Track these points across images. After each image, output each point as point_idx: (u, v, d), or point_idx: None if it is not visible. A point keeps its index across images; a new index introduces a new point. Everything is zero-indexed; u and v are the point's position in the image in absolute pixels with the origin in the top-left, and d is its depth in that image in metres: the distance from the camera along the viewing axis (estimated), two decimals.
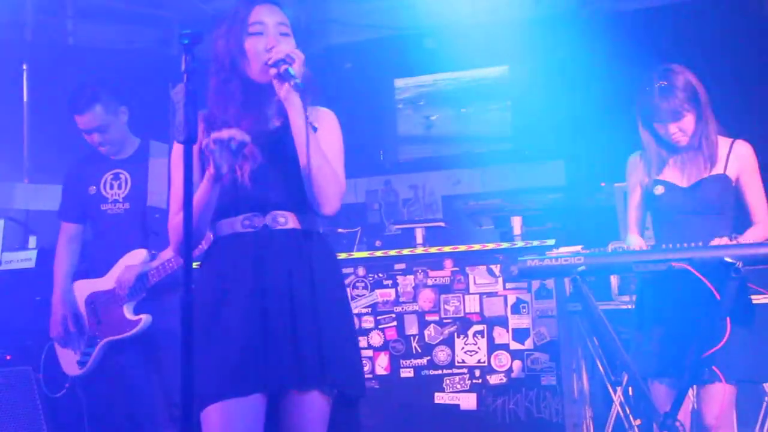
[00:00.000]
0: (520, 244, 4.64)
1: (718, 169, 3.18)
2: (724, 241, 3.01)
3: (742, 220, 3.22)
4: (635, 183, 3.33)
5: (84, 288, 3.89)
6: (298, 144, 2.36)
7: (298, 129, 2.36)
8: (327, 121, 2.54)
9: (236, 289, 2.37)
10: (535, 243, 4.53)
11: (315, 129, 2.48)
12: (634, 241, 3.22)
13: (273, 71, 2.34)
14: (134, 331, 3.70)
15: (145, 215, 3.79)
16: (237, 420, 2.28)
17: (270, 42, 2.41)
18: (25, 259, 4.95)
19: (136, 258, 3.74)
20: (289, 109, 2.37)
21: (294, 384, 2.31)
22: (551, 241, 4.45)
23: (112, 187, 3.87)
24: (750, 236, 3.09)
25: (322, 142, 2.45)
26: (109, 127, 3.84)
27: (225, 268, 2.41)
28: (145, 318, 3.71)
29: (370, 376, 4.67)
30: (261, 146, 2.41)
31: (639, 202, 3.33)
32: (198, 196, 2.32)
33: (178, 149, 2.39)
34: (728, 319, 2.93)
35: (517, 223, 4.77)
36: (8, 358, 4.35)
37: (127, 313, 3.72)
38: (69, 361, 3.88)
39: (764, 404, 4.15)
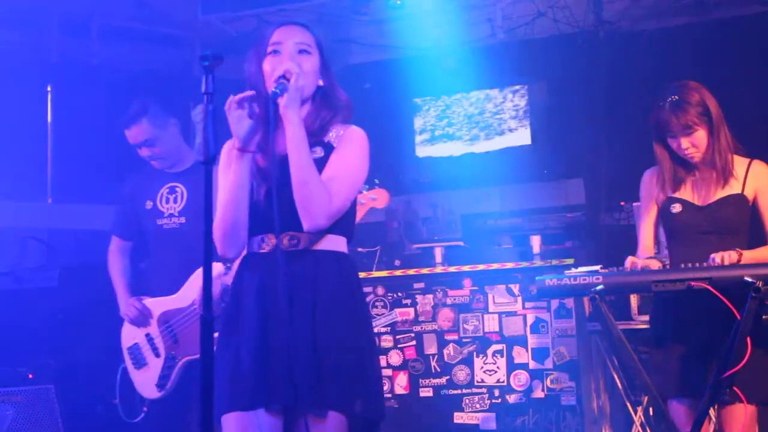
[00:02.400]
0: (539, 263, 4.64)
1: (735, 189, 3.17)
2: (729, 255, 3.00)
3: (757, 239, 3.21)
4: (650, 199, 3.33)
5: (155, 306, 3.76)
6: (289, 156, 2.38)
7: (290, 141, 2.37)
8: (349, 138, 2.54)
9: (247, 308, 2.44)
10: (554, 262, 4.53)
11: (332, 147, 2.51)
12: (645, 263, 3.18)
13: (237, 97, 2.40)
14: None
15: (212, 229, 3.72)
16: (248, 429, 2.35)
17: (284, 60, 2.45)
18: (47, 278, 4.99)
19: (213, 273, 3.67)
20: (284, 122, 2.38)
21: (290, 402, 2.34)
22: (570, 261, 4.45)
23: (167, 201, 3.79)
24: (759, 252, 3.09)
25: (334, 157, 2.48)
26: (158, 141, 3.79)
27: (242, 287, 2.49)
28: None
29: (389, 395, 4.67)
30: (278, 167, 2.43)
31: (653, 221, 3.33)
32: (231, 180, 2.41)
33: (224, 153, 2.49)
34: (749, 338, 2.91)
35: (536, 242, 4.77)
36: (30, 376, 4.38)
37: None
38: (147, 384, 3.73)
39: None
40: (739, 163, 3.21)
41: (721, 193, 3.18)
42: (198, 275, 3.64)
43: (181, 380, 3.67)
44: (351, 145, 2.53)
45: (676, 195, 3.24)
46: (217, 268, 3.62)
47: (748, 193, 3.18)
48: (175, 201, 3.79)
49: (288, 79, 2.37)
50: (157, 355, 3.73)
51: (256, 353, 2.37)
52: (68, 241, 5.72)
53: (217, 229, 2.44)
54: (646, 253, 3.31)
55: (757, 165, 3.22)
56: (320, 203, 2.38)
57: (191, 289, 3.66)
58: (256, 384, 2.35)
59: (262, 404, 2.36)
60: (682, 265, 3.03)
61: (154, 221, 3.81)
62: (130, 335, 3.83)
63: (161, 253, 3.83)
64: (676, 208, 3.22)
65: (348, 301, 2.49)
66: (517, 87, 6.69)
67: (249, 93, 2.42)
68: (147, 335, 3.77)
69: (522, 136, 6.65)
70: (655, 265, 3.12)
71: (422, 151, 6.87)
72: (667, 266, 3.14)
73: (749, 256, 3.06)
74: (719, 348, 3.01)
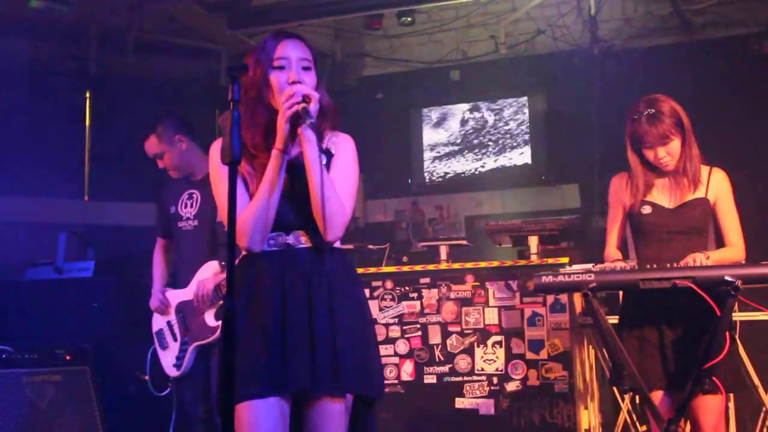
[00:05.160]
0: (536, 261, 4.63)
1: (699, 193, 3.19)
2: (700, 256, 3.01)
3: (719, 240, 3.23)
4: (618, 203, 3.32)
5: (173, 297, 3.91)
6: (310, 177, 2.37)
7: (311, 164, 2.37)
8: (346, 147, 2.53)
9: (262, 301, 2.41)
10: (551, 261, 4.52)
11: (332, 154, 2.50)
12: (616, 256, 3.22)
13: (289, 112, 2.34)
14: (215, 336, 3.66)
15: (215, 230, 3.78)
16: (261, 418, 2.34)
17: (292, 76, 2.42)
18: (84, 269, 5.04)
19: (208, 271, 3.74)
20: (303, 145, 2.37)
21: (309, 388, 2.34)
22: (565, 260, 4.45)
23: (186, 206, 3.91)
24: (722, 253, 3.12)
25: (335, 166, 2.47)
26: (165, 155, 3.93)
27: (253, 281, 2.44)
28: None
29: (396, 381, 4.68)
30: (285, 171, 2.42)
31: (621, 223, 3.33)
32: (271, 179, 2.37)
33: (215, 149, 2.45)
34: (728, 333, 2.92)
35: (533, 242, 4.77)
36: (68, 358, 4.41)
37: (208, 319, 3.70)
38: (168, 364, 3.88)
39: (762, 414, 4.10)
40: (702, 169, 3.23)
41: (688, 197, 3.19)
42: (199, 273, 3.77)
43: (195, 362, 3.78)
44: (347, 153, 2.52)
45: (647, 198, 3.24)
46: (213, 266, 3.74)
47: (711, 198, 3.20)
48: (191, 206, 3.90)
49: (308, 102, 2.34)
50: (175, 340, 3.87)
51: (274, 343, 2.35)
52: (103, 235, 5.76)
53: (258, 222, 2.37)
54: (614, 254, 3.31)
55: (717, 172, 3.24)
56: (341, 215, 2.40)
57: (193, 286, 3.77)
58: (272, 374, 2.34)
59: (277, 392, 2.34)
60: (668, 265, 3.04)
61: (176, 224, 3.94)
62: (157, 322, 3.99)
63: (182, 251, 3.96)
64: (647, 209, 3.21)
65: (356, 291, 2.51)
66: (518, 99, 6.70)
67: (315, 98, 2.37)
68: (168, 322, 3.92)
69: (521, 144, 6.66)
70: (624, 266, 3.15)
71: (429, 157, 6.88)
72: (635, 266, 3.14)
73: (714, 257, 3.08)
74: (695, 341, 3.02)
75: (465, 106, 6.87)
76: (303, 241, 2.44)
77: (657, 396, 3.11)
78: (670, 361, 3.07)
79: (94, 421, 4.34)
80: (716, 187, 3.20)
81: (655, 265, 3.10)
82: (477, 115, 6.84)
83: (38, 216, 5.80)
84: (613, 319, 3.32)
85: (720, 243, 3.22)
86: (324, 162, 2.45)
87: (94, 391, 4.39)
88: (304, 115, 2.34)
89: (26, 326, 4.83)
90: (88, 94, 6.19)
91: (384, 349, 4.61)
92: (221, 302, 3.64)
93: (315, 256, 2.44)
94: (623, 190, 3.29)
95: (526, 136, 6.64)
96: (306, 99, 2.35)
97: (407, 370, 4.71)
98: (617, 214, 3.34)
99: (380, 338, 4.54)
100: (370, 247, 5.30)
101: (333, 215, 2.37)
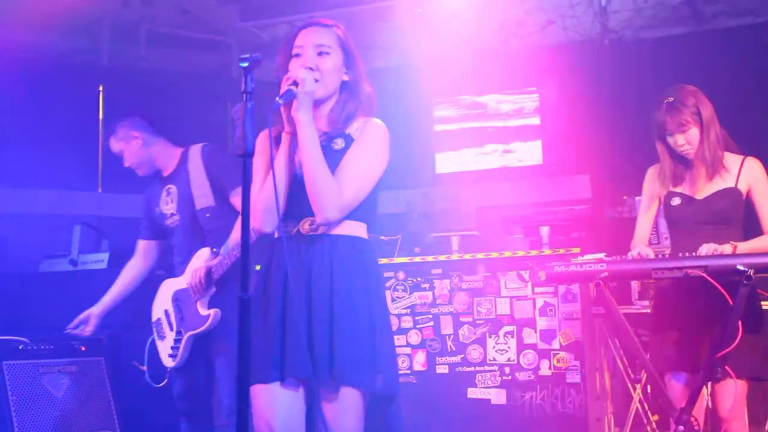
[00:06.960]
0: (547, 251, 4.63)
1: (729, 183, 3.18)
2: (725, 247, 3.00)
3: (751, 230, 3.20)
4: (652, 193, 3.34)
5: (170, 286, 3.88)
6: (301, 159, 2.39)
7: (300, 141, 2.38)
8: (368, 132, 2.51)
9: (271, 288, 2.45)
10: (562, 251, 4.52)
11: (352, 138, 2.49)
12: (643, 251, 3.20)
13: (280, 94, 2.37)
14: (206, 325, 3.64)
15: (197, 218, 3.78)
16: (271, 400, 2.39)
17: (304, 62, 2.45)
18: (98, 260, 5.05)
19: (200, 259, 3.72)
20: (297, 124, 2.38)
21: (308, 376, 2.34)
22: (577, 250, 4.44)
23: (166, 203, 3.90)
24: (755, 243, 3.10)
25: (350, 152, 2.46)
26: (124, 152, 3.99)
27: (266, 268, 2.49)
28: (213, 313, 3.63)
29: (408, 371, 4.69)
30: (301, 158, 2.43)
31: (653, 213, 3.35)
32: (283, 161, 2.40)
33: (261, 138, 2.46)
34: (740, 322, 2.91)
35: (545, 232, 4.76)
36: (83, 349, 4.44)
37: (200, 308, 3.67)
38: (164, 354, 3.86)
39: None
40: (733, 159, 3.22)
41: (717, 187, 3.19)
42: (192, 263, 3.75)
43: (190, 354, 3.75)
44: (367, 139, 2.49)
45: (676, 189, 3.26)
46: (205, 253, 3.72)
47: (742, 187, 3.19)
48: (171, 201, 3.89)
49: (297, 84, 2.36)
50: (171, 329, 3.84)
51: (274, 329, 2.39)
52: (117, 227, 5.77)
53: (267, 204, 2.40)
54: (640, 244, 3.31)
55: (751, 161, 3.24)
56: (329, 199, 2.37)
57: (187, 275, 3.75)
58: (274, 359, 2.37)
59: (279, 377, 2.38)
60: (680, 254, 3.03)
61: (163, 223, 3.95)
62: (155, 311, 3.98)
63: (175, 247, 3.94)
64: (676, 201, 3.25)
65: (361, 281, 2.45)
66: (529, 90, 6.66)
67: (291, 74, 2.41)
68: (165, 311, 3.89)
69: (533, 135, 6.62)
70: (651, 254, 3.14)
71: (440, 148, 6.86)
72: (666, 254, 3.15)
73: (744, 247, 3.06)
74: (712, 329, 3.02)
75: (476, 98, 6.83)
76: (313, 228, 2.44)
77: (673, 381, 3.11)
78: (701, 346, 3.07)
79: (109, 411, 4.37)
80: (748, 176, 3.20)
81: (667, 254, 3.09)
82: (488, 105, 6.80)
83: (53, 208, 5.81)
84: (626, 309, 3.32)
85: (755, 232, 3.20)
86: (342, 146, 2.46)
87: (109, 382, 4.42)
88: (284, 96, 2.34)
89: (42, 317, 4.85)
90: (101, 87, 6.19)
91: (396, 340, 4.60)
92: (213, 290, 3.65)
93: (320, 243, 2.43)
94: (655, 180, 3.32)
95: (538, 128, 6.61)
96: (296, 82, 2.36)
97: (419, 360, 4.71)
98: (650, 204, 3.37)
99: (392, 329, 4.53)
100: (382, 237, 5.30)
101: (321, 197, 2.36)
